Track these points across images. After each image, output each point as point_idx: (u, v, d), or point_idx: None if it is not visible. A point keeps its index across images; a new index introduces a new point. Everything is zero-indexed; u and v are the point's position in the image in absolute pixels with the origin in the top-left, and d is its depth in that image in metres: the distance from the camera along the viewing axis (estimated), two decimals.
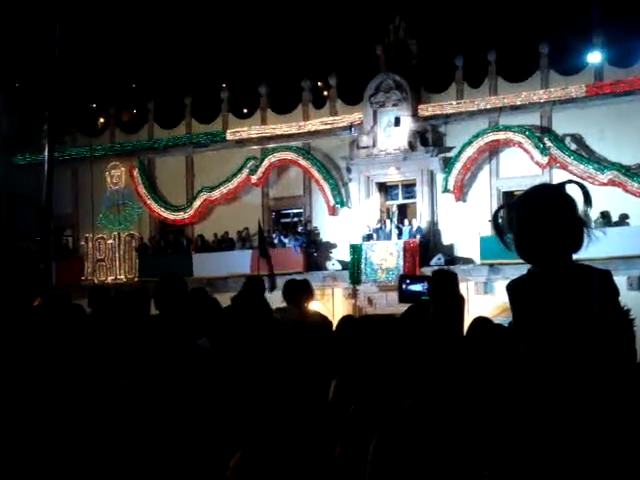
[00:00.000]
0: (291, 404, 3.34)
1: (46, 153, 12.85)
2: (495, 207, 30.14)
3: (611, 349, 3.20)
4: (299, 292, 7.85)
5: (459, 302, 2.77)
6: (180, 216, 35.86)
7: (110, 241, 36.53)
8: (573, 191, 3.50)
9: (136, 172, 36.68)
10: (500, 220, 3.54)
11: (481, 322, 5.48)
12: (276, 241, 33.29)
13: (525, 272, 3.47)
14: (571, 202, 3.42)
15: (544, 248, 3.36)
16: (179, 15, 40.09)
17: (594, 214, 28.46)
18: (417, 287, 2.88)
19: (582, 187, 3.52)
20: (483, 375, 3.41)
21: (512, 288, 3.42)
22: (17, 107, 34.58)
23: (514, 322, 3.38)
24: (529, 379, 3.19)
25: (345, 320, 8.17)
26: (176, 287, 6.65)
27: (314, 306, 31.32)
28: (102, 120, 40.03)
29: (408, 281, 2.89)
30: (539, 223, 3.37)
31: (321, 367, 5.38)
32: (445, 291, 2.84)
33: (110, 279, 35.34)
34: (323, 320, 7.49)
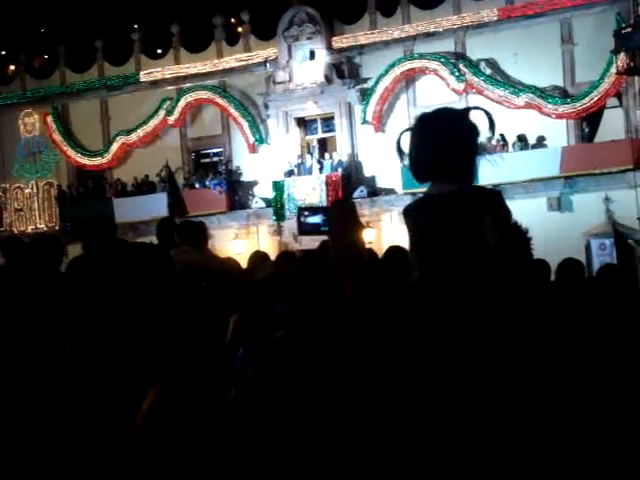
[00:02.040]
0: (194, 344, 3.33)
1: None
2: None
3: (503, 261, 3.29)
4: (195, 233, 7.75)
5: (357, 232, 2.80)
6: (98, 161, 35.39)
7: (28, 190, 35.97)
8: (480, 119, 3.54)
9: (50, 119, 36.02)
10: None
11: (394, 251, 5.53)
12: (197, 183, 33.07)
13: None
14: (466, 126, 3.44)
15: (434, 169, 3.38)
16: None
17: (511, 137, 28.79)
18: (315, 219, 2.85)
19: (486, 113, 3.54)
20: (383, 302, 3.43)
21: (405, 212, 3.47)
22: None
23: (409, 246, 3.42)
24: (422, 302, 3.23)
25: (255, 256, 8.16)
26: (107, 227, 6.53)
27: (240, 244, 31.30)
28: (12, 67, 39.11)
29: (306, 213, 2.86)
30: (430, 144, 3.39)
31: (221, 309, 5.38)
32: (342, 220, 2.86)
33: (30, 228, 34.86)
34: (226, 262, 7.44)
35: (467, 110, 3.52)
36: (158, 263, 3.49)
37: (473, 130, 3.45)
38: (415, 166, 3.48)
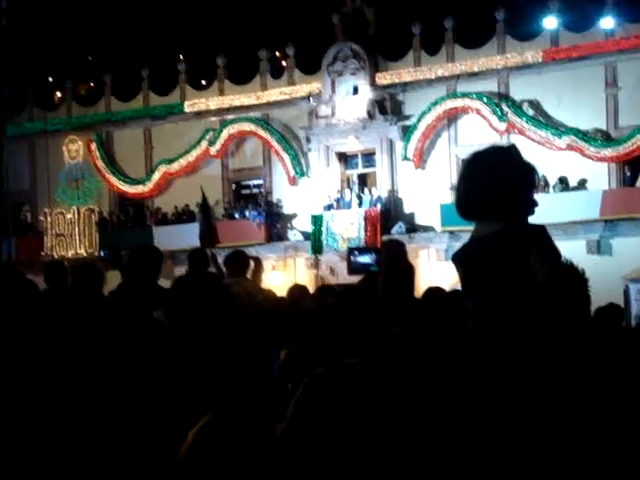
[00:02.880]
0: (244, 375, 3.34)
1: None
2: (454, 174, 30.26)
3: (556, 305, 3.22)
4: (246, 265, 7.78)
5: (409, 271, 2.78)
6: (139, 189, 35.65)
7: (69, 216, 36.23)
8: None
9: (94, 146, 36.37)
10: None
11: (433, 293, 5.53)
12: (236, 214, 33.21)
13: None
14: (516, 163, 3.40)
15: (481, 209, 3.36)
16: None
17: (552, 179, 28.69)
18: (365, 258, 2.85)
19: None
20: (434, 344, 3.43)
21: (454, 259, 3.44)
22: None
23: (462, 292, 3.39)
24: (479, 344, 3.21)
25: (298, 289, 8.17)
26: (153, 257, 6.52)
27: (277, 276, 31.35)
28: (59, 94, 39.61)
29: (357, 253, 2.84)
30: (478, 184, 3.37)
31: (271, 340, 5.40)
32: (393, 261, 2.83)
33: (70, 254, 35.07)
34: (269, 293, 7.46)
35: (515, 147, 3.47)
36: (221, 295, 3.52)
37: (523, 167, 3.41)
38: (462, 205, 3.44)
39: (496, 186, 3.31)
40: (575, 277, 3.51)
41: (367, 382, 1.87)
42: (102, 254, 9.25)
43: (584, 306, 3.34)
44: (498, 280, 3.22)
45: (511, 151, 3.46)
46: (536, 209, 3.46)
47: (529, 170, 3.43)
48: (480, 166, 3.41)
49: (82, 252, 35.22)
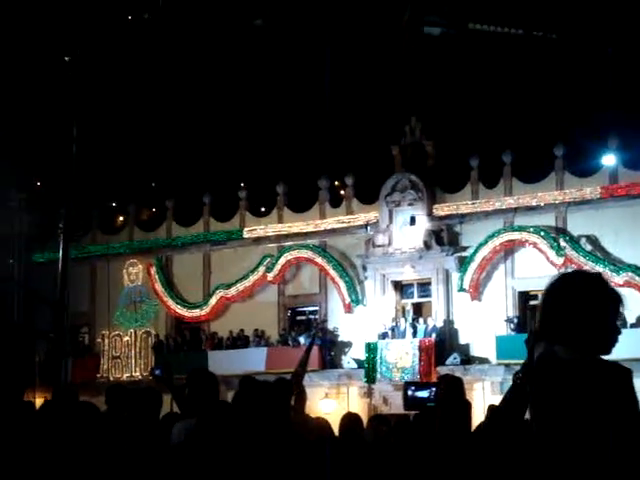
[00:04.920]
0: None
1: (60, 251, 13.02)
2: (510, 306, 30.14)
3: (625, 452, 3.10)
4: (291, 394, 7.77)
5: (466, 408, 2.73)
6: (196, 313, 35.89)
7: (126, 338, 36.50)
8: None
9: (153, 270, 36.83)
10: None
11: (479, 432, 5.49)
12: (290, 340, 33.20)
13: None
14: (601, 293, 3.31)
15: (559, 333, 3.26)
16: (197, 115, 40.73)
17: None
18: (423, 393, 2.84)
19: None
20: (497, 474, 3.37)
21: (526, 370, 3.27)
22: (38, 206, 35.04)
23: (531, 409, 3.22)
24: (544, 471, 3.14)
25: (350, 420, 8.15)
26: (210, 382, 6.52)
27: (329, 404, 31.09)
28: (121, 218, 40.39)
29: (413, 388, 2.84)
30: (559, 306, 3.28)
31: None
32: (451, 397, 2.79)
33: (125, 376, 35.20)
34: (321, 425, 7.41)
35: (601, 275, 3.38)
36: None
37: (613, 294, 3.32)
38: (543, 324, 3.32)
39: (581, 313, 3.23)
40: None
41: None
42: (156, 372, 9.28)
43: None
44: (576, 413, 3.13)
45: (601, 278, 3.36)
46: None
47: (617, 298, 3.33)
48: (568, 289, 3.31)
49: (137, 374, 35.33)
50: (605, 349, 3.30)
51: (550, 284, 3.32)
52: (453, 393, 2.84)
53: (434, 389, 2.89)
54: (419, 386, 2.93)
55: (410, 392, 2.86)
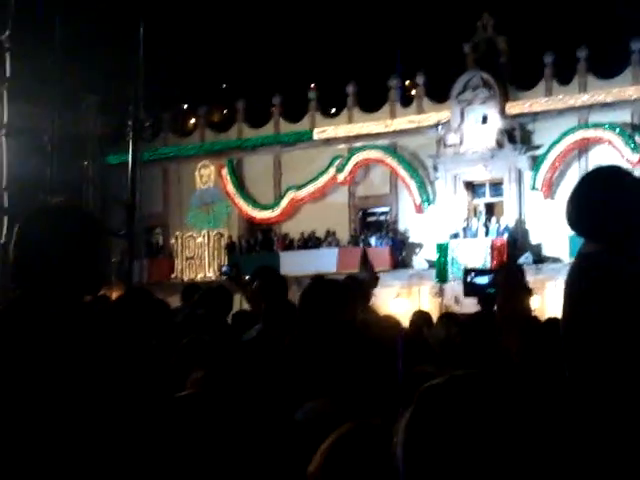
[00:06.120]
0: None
1: (130, 149, 13.13)
2: None
3: None
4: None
5: (526, 293, 2.64)
6: (268, 215, 36.16)
7: (199, 239, 36.98)
8: None
9: (225, 171, 37.07)
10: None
11: (554, 322, 5.48)
12: (361, 242, 33.30)
13: None
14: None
15: (586, 227, 3.16)
16: (268, 15, 40.39)
17: None
18: (483, 279, 2.77)
19: None
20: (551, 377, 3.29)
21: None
22: (111, 108, 35.23)
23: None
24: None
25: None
26: (281, 283, 6.55)
27: (401, 303, 31.25)
28: (192, 120, 40.57)
29: (473, 274, 2.78)
30: (590, 200, 3.19)
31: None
32: (511, 282, 2.71)
33: (199, 276, 35.73)
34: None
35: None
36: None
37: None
38: (572, 219, 3.25)
39: (610, 209, 3.11)
40: None
41: (484, 392, 1.86)
42: (224, 269, 9.45)
43: None
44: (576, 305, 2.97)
45: (633, 174, 3.25)
46: None
47: None
48: (599, 182, 3.23)
49: (211, 275, 35.82)
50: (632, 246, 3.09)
51: (585, 176, 3.20)
52: (512, 279, 2.75)
53: (494, 276, 2.79)
54: (479, 272, 2.86)
55: (469, 279, 2.80)
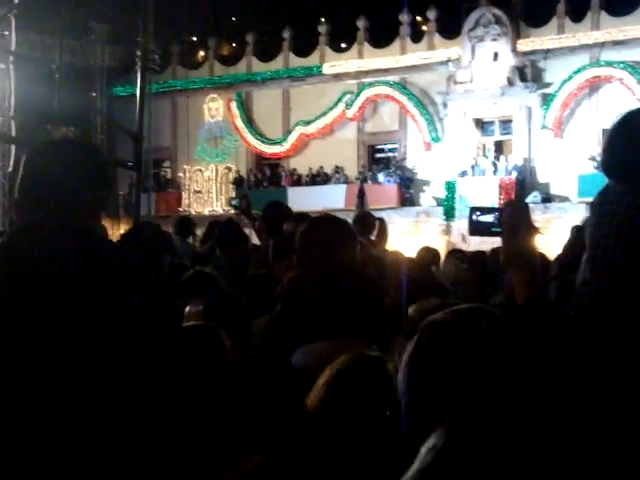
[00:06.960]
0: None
1: (138, 80, 13.01)
2: (594, 144, 29.59)
3: None
4: (368, 226, 7.81)
5: (531, 231, 2.59)
6: (276, 150, 36.07)
7: (207, 173, 36.93)
8: None
9: (234, 105, 36.89)
10: None
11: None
12: (369, 178, 33.23)
13: None
14: None
15: (617, 169, 3.02)
16: None
17: None
18: (488, 218, 2.73)
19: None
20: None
21: (591, 204, 3.13)
22: (119, 39, 34.95)
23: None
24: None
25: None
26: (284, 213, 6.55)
27: (407, 241, 31.37)
28: (201, 53, 40.26)
29: (478, 212, 2.75)
30: (622, 140, 3.02)
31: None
32: (515, 220, 2.67)
33: (207, 210, 35.76)
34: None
35: None
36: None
37: None
38: (607, 160, 3.13)
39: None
40: None
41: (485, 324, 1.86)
42: (233, 203, 9.47)
43: None
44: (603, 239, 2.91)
45: None
46: None
47: None
48: (631, 125, 3.04)
49: (218, 209, 35.83)
50: None
51: (620, 118, 3.12)
52: (517, 217, 2.73)
53: (499, 214, 2.76)
54: (484, 211, 2.81)
55: (475, 217, 2.76)
